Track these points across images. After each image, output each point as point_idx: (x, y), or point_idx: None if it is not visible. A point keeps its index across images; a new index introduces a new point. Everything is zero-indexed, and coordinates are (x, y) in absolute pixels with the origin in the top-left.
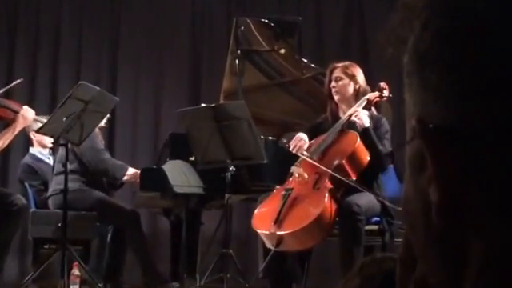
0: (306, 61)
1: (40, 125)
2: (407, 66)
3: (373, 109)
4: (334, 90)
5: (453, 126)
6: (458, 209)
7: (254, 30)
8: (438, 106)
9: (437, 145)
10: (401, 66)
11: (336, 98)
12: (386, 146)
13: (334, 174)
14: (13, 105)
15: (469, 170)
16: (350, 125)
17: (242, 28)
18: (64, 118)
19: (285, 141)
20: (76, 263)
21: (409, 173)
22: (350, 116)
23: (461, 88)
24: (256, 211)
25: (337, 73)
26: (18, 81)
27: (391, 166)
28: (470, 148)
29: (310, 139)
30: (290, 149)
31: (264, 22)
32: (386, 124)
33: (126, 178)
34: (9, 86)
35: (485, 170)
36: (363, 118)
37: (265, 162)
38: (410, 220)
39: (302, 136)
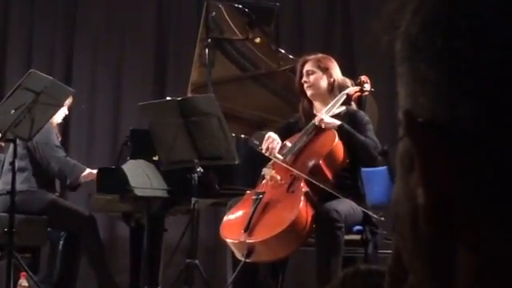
0: (283, 51)
1: None
2: (399, 54)
3: (353, 104)
4: (305, 85)
5: (441, 121)
6: (446, 215)
7: (227, 16)
8: (426, 97)
9: (424, 141)
10: (393, 56)
11: (309, 93)
12: (370, 137)
13: (308, 178)
14: None
15: (459, 171)
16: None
17: (213, 14)
18: (12, 111)
19: (256, 142)
20: (23, 273)
21: (399, 173)
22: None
23: (449, 78)
24: (225, 218)
25: (308, 66)
26: None
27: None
28: (460, 147)
29: (283, 140)
30: (263, 151)
31: (238, 7)
32: (364, 116)
33: (81, 179)
34: None
35: (476, 173)
36: (331, 122)
37: (236, 162)
38: (399, 225)
39: (274, 136)
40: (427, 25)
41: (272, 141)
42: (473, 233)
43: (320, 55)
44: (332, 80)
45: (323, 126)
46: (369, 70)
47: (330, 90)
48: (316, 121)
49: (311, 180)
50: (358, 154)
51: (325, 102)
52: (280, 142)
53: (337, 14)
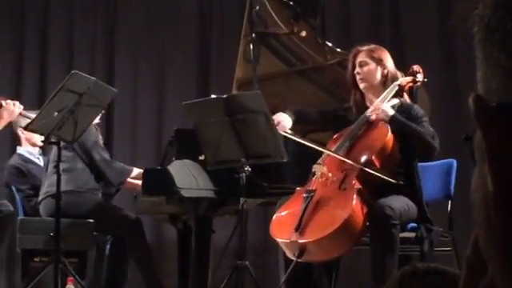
0: (330, 45)
1: (28, 121)
2: (475, 36)
3: (405, 96)
4: (358, 76)
5: (510, 106)
6: None
7: (271, 10)
8: (497, 82)
9: (492, 127)
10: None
11: (361, 86)
12: (426, 127)
13: (364, 168)
14: None
15: None
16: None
17: (257, 8)
18: (55, 113)
19: None
20: (71, 278)
21: (477, 161)
22: (376, 109)
23: None
24: (274, 217)
25: (361, 57)
26: None
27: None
28: None
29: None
30: None
31: (282, 0)
32: (419, 109)
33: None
34: None
35: None
36: (385, 110)
37: (285, 160)
38: (476, 213)
39: (284, 115)
40: (498, 6)
41: (280, 117)
42: None
43: (373, 46)
44: (386, 72)
45: (377, 113)
46: (419, 60)
47: (383, 82)
48: (370, 110)
49: (367, 170)
50: (414, 144)
51: (378, 94)
52: (290, 121)
53: (384, 3)
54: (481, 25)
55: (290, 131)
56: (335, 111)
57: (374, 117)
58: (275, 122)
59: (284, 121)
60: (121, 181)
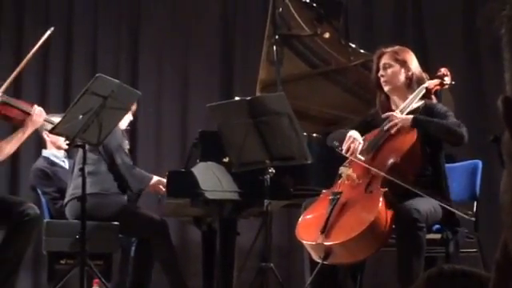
0: (353, 46)
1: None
2: (504, 37)
3: (433, 98)
4: (382, 79)
5: None
6: None
7: (294, 12)
8: None
9: None
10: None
11: (386, 88)
12: (451, 120)
13: (388, 176)
14: (23, 105)
15: None
16: None
17: (280, 9)
18: (80, 116)
19: (336, 143)
20: (97, 280)
21: (505, 162)
22: (394, 124)
23: None
24: (300, 219)
25: (385, 59)
26: (49, 32)
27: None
28: None
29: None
30: (343, 152)
31: (305, 1)
32: (442, 106)
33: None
34: (43, 39)
35: None
36: (404, 120)
37: (309, 162)
38: (504, 215)
39: (356, 136)
40: None
41: (353, 141)
42: None
43: (397, 47)
44: (410, 74)
45: (398, 127)
46: (443, 61)
47: (408, 84)
48: (408, 102)
49: (392, 179)
50: (442, 138)
51: (403, 97)
52: (362, 141)
53: (407, 4)
54: (509, 26)
55: (360, 156)
56: (364, 119)
57: (393, 131)
58: (347, 145)
59: (357, 143)
60: (140, 188)
